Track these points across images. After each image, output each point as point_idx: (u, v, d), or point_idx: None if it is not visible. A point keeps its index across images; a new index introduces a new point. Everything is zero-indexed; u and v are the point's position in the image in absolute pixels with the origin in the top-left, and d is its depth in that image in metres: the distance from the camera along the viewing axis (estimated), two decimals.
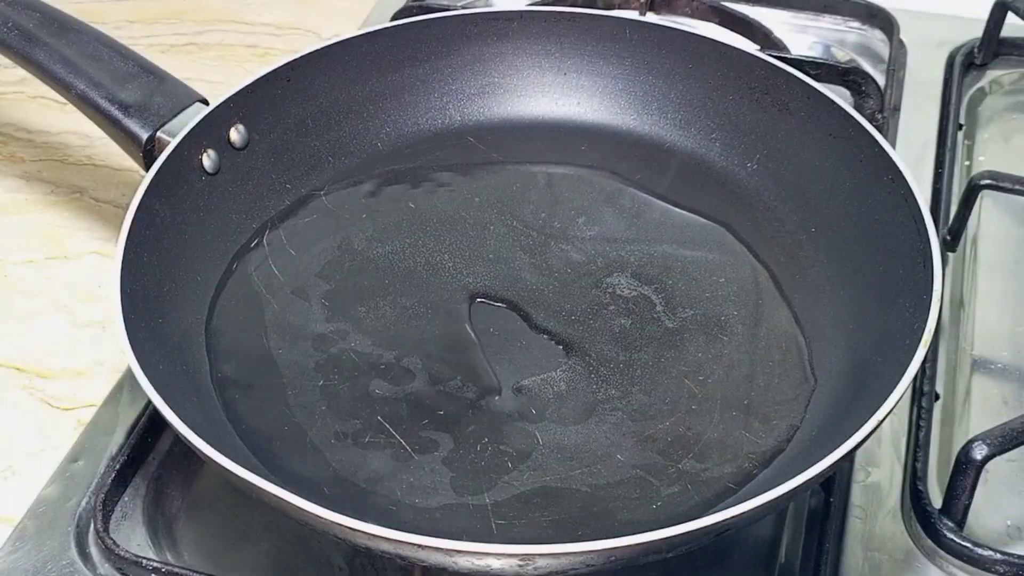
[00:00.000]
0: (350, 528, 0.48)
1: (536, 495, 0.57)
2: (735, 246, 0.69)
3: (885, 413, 0.51)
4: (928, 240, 0.59)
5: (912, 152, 0.81)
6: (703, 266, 0.68)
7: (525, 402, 0.61)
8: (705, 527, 0.47)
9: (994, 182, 0.72)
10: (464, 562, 0.48)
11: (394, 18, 0.87)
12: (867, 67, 0.88)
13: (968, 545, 0.58)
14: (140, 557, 0.57)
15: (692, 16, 0.91)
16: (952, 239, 0.74)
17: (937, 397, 0.65)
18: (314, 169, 0.73)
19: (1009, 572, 0.57)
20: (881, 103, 0.82)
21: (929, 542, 0.59)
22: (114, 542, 0.58)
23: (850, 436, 0.50)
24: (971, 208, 0.73)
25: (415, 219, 0.72)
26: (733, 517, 0.48)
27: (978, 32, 0.88)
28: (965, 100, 0.87)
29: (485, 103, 0.77)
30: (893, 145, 0.78)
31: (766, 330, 0.64)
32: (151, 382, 0.53)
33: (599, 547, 0.47)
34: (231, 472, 0.50)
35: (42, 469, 0.64)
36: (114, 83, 0.67)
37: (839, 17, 0.93)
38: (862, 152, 0.66)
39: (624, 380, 0.62)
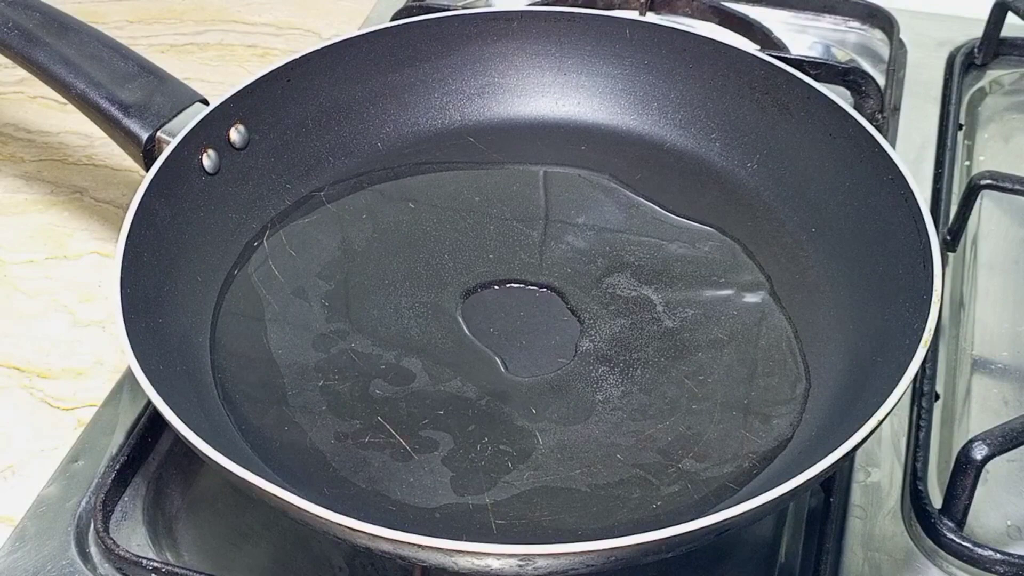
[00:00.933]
0: (350, 528, 0.48)
1: (536, 495, 0.57)
2: (735, 246, 0.69)
3: (885, 413, 0.51)
4: (928, 240, 0.59)
5: (912, 152, 0.81)
6: (703, 266, 0.68)
7: (525, 402, 0.61)
8: (705, 527, 0.47)
9: (994, 182, 0.72)
10: (464, 562, 0.48)
11: (394, 18, 0.87)
12: (867, 67, 0.88)
13: (968, 545, 0.58)
14: (140, 557, 0.57)
15: (692, 16, 0.91)
16: (952, 239, 0.74)
17: (937, 397, 0.65)
18: (314, 169, 0.73)
19: (1009, 572, 0.57)
20: (881, 103, 0.82)
21: (929, 542, 0.59)
22: (114, 542, 0.58)
23: (850, 436, 0.51)
24: (971, 208, 0.73)
25: (415, 219, 0.72)
26: (733, 517, 0.48)
27: (978, 32, 0.88)
28: (965, 100, 0.87)
29: (485, 103, 0.77)
30: (893, 145, 0.78)
31: (766, 330, 0.64)
32: (151, 382, 0.53)
33: (599, 547, 0.47)
34: (231, 472, 0.50)
35: (42, 469, 0.64)
36: (114, 83, 0.67)
37: (839, 17, 0.93)
38: (862, 152, 0.66)
39: (624, 380, 0.62)
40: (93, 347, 0.71)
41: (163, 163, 0.64)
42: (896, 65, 0.87)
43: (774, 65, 0.72)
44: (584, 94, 0.77)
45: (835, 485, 0.59)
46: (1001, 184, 0.72)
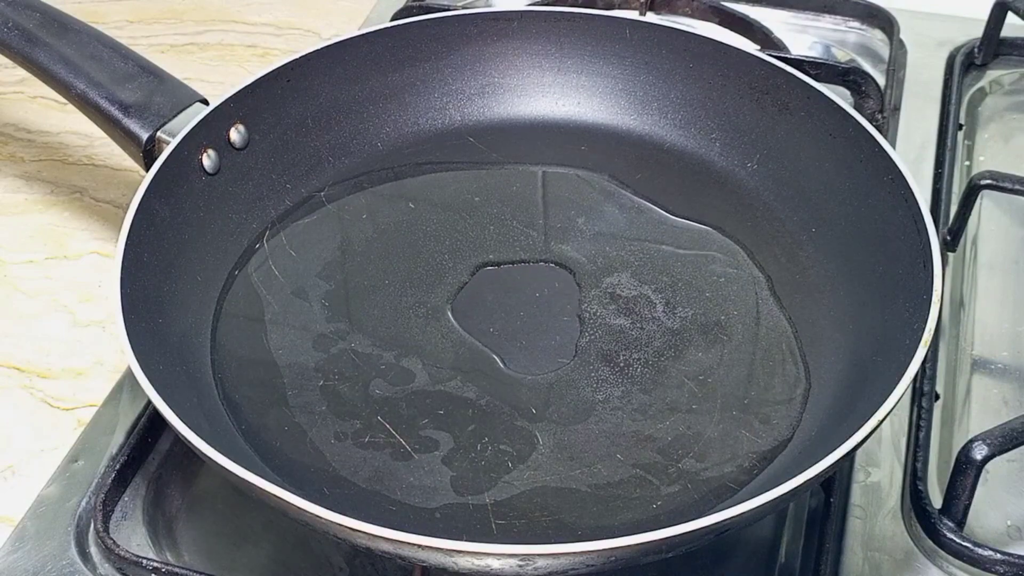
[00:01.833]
0: (350, 528, 0.48)
1: (536, 495, 0.57)
2: (735, 246, 0.69)
3: (885, 413, 0.51)
4: (928, 240, 0.59)
5: (912, 152, 0.81)
6: (703, 266, 0.68)
7: (525, 402, 0.61)
8: (705, 527, 0.47)
9: (994, 182, 0.72)
10: (464, 562, 0.48)
11: (394, 18, 0.87)
12: (867, 67, 0.88)
13: (968, 545, 0.58)
14: (140, 557, 0.57)
15: (692, 16, 0.91)
16: (952, 239, 0.74)
17: (937, 397, 0.65)
18: (314, 169, 0.73)
19: (1009, 572, 0.57)
20: (881, 103, 0.82)
21: (929, 542, 0.59)
22: (114, 542, 0.58)
23: (850, 436, 0.50)
24: (971, 208, 0.73)
25: (415, 219, 0.72)
26: (733, 517, 0.48)
27: (978, 32, 0.88)
28: (965, 100, 0.87)
29: (485, 103, 0.77)
30: (893, 145, 0.78)
31: (766, 330, 0.64)
32: (151, 382, 0.53)
33: (599, 547, 0.47)
34: (231, 472, 0.50)
35: (42, 469, 0.64)
36: (114, 83, 0.67)
37: (839, 17, 0.93)
38: (862, 152, 0.66)
39: (624, 380, 0.62)
40: (93, 347, 0.71)
41: (163, 163, 0.64)
42: (896, 65, 0.87)
43: (774, 65, 0.72)
44: (584, 94, 0.77)
45: (835, 485, 0.59)
46: (1001, 184, 0.72)
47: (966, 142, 0.84)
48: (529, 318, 0.66)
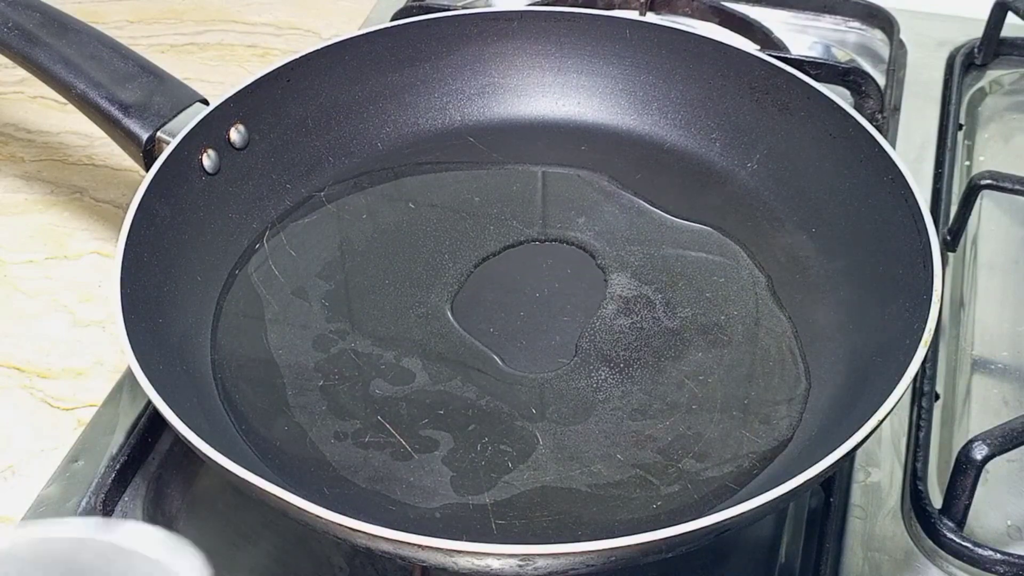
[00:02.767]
0: (350, 528, 0.48)
1: (536, 495, 0.57)
2: (735, 246, 0.69)
3: (885, 413, 0.51)
4: (928, 240, 0.59)
5: (912, 152, 0.81)
6: (703, 266, 0.68)
7: (525, 402, 0.61)
8: (705, 527, 0.47)
9: (994, 182, 0.72)
10: (464, 562, 0.48)
11: (394, 18, 0.87)
12: (867, 67, 0.88)
13: (968, 545, 0.58)
14: None
15: (692, 16, 0.91)
16: (952, 239, 0.74)
17: (937, 397, 0.65)
18: (314, 169, 0.73)
19: (1009, 572, 0.57)
20: (881, 103, 0.82)
21: (929, 542, 0.59)
22: None
23: (850, 436, 0.51)
24: (971, 208, 0.73)
25: (415, 219, 0.72)
26: (733, 517, 0.48)
27: (978, 32, 0.88)
28: (965, 100, 0.87)
29: (485, 103, 0.77)
30: (893, 145, 0.78)
31: (766, 330, 0.64)
32: (151, 382, 0.53)
33: (599, 547, 0.47)
34: (231, 472, 0.50)
35: (42, 469, 0.64)
36: (114, 83, 0.67)
37: (839, 17, 0.93)
38: (862, 152, 0.66)
39: (624, 380, 0.62)
40: (93, 347, 0.71)
41: (163, 163, 0.64)
42: (896, 65, 0.87)
43: (774, 65, 0.72)
44: (584, 94, 0.77)
45: (835, 485, 0.59)
46: (1001, 184, 0.72)
47: (966, 142, 0.84)
48: (529, 318, 0.66)
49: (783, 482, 0.49)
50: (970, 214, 0.73)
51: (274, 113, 0.71)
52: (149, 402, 0.54)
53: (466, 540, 0.47)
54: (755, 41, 0.88)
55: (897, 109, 0.84)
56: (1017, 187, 0.72)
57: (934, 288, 0.57)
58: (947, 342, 0.69)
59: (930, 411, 0.64)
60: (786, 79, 0.71)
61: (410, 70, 0.76)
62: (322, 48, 0.73)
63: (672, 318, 0.65)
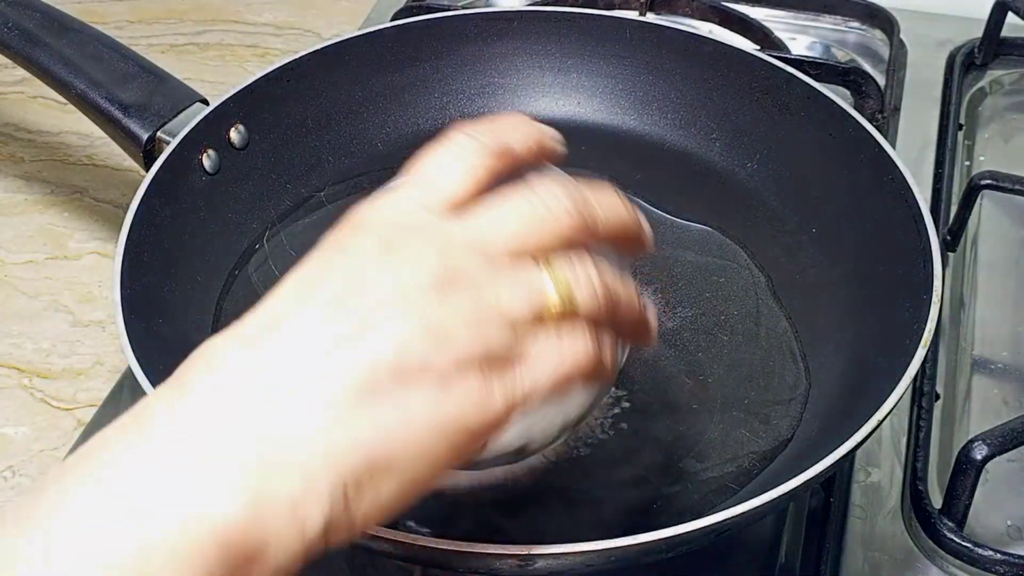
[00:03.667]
0: None
1: (535, 495, 0.57)
2: (735, 246, 0.69)
3: (885, 413, 0.51)
4: (928, 240, 0.59)
5: (912, 152, 0.81)
6: (703, 266, 0.68)
7: None
8: (705, 527, 0.47)
9: (994, 182, 0.72)
10: (464, 562, 0.48)
11: (394, 18, 0.87)
12: (867, 67, 0.88)
13: (968, 545, 0.58)
14: None
15: (692, 16, 0.91)
16: (952, 239, 0.74)
17: (937, 397, 0.65)
18: (314, 169, 0.73)
19: (1009, 572, 0.57)
20: (881, 103, 0.82)
21: (929, 542, 0.59)
22: None
23: (850, 436, 0.50)
24: (971, 208, 0.73)
25: None
26: (733, 517, 0.48)
27: (978, 32, 0.88)
28: (965, 100, 0.87)
29: (485, 103, 0.77)
30: (893, 145, 0.78)
31: (766, 330, 0.64)
32: (151, 382, 0.53)
33: (599, 547, 0.47)
34: None
35: (42, 469, 0.64)
36: (114, 83, 0.67)
37: (839, 17, 0.93)
38: (862, 152, 0.66)
39: (624, 380, 0.62)
40: (93, 347, 0.71)
41: (163, 163, 0.64)
42: (896, 65, 0.87)
43: (774, 65, 0.72)
44: (584, 94, 0.77)
45: (835, 485, 0.59)
46: (1001, 184, 0.72)
47: (966, 142, 0.84)
48: None
49: (783, 482, 0.49)
50: (970, 214, 0.73)
51: (274, 113, 0.71)
52: None
53: (466, 540, 0.47)
54: (755, 41, 0.88)
55: (897, 109, 0.84)
56: (1017, 187, 0.72)
57: (934, 288, 0.57)
58: (947, 342, 0.69)
59: (930, 411, 0.64)
60: (786, 79, 0.71)
61: (410, 70, 0.76)
62: (322, 48, 0.73)
63: (672, 318, 0.65)
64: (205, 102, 0.68)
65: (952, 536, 0.58)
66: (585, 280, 0.41)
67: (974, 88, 0.88)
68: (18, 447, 0.66)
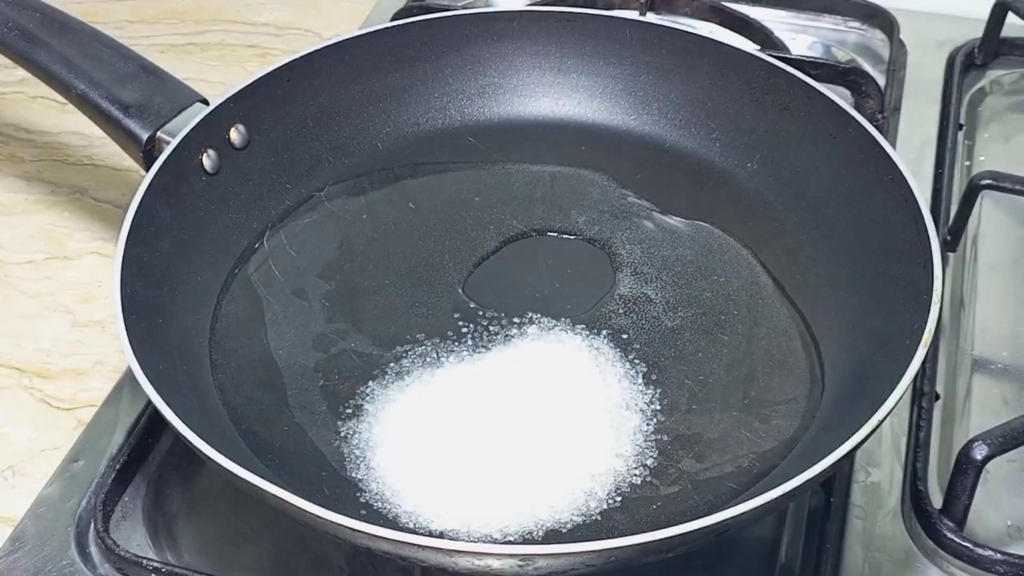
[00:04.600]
0: (350, 528, 0.48)
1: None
2: (735, 246, 0.69)
3: (885, 413, 0.51)
4: (928, 240, 0.59)
5: (912, 152, 0.81)
6: (703, 266, 0.68)
7: None
8: (705, 527, 0.47)
9: (994, 182, 0.72)
10: (464, 562, 0.48)
11: (394, 18, 0.87)
12: (867, 67, 0.88)
13: (968, 545, 0.58)
14: (140, 557, 0.57)
15: (692, 16, 0.91)
16: (952, 239, 0.74)
17: (937, 397, 0.65)
18: (314, 169, 0.73)
19: (1009, 572, 0.57)
20: (881, 103, 0.82)
21: (929, 542, 0.59)
22: (114, 542, 0.58)
23: (850, 436, 0.51)
24: (971, 208, 0.73)
25: (415, 219, 0.72)
26: (733, 517, 0.48)
27: (978, 32, 0.88)
28: (965, 100, 0.87)
29: (485, 103, 0.77)
30: (893, 145, 0.78)
31: (766, 330, 0.64)
32: (151, 382, 0.53)
33: (599, 547, 0.47)
34: (231, 472, 0.50)
35: (42, 469, 0.64)
36: (114, 83, 0.67)
37: (839, 17, 0.93)
38: (862, 152, 0.66)
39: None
40: (93, 347, 0.71)
41: (163, 163, 0.64)
42: (896, 65, 0.87)
43: (774, 65, 0.72)
44: (584, 94, 0.77)
45: (835, 485, 0.59)
46: (1001, 184, 0.72)
47: (966, 142, 0.84)
48: (529, 318, 0.66)
49: (783, 482, 0.49)
50: (970, 214, 0.73)
51: (274, 113, 0.71)
52: (149, 402, 0.54)
53: (466, 540, 0.47)
54: (755, 41, 0.88)
55: (897, 109, 0.84)
56: (1017, 187, 0.72)
57: (934, 288, 0.57)
58: (947, 342, 0.69)
59: (930, 411, 0.64)
60: (786, 79, 0.71)
61: (410, 70, 0.76)
62: (322, 48, 0.73)
63: (672, 318, 0.65)
64: (205, 102, 0.68)
65: (952, 536, 0.58)
66: None
67: (974, 88, 0.88)
68: (18, 447, 0.66)
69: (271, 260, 0.69)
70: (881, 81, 0.84)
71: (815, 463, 0.50)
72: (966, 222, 0.74)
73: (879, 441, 0.63)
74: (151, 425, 0.63)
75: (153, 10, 0.99)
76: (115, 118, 0.67)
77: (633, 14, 0.86)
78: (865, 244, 0.64)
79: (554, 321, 0.65)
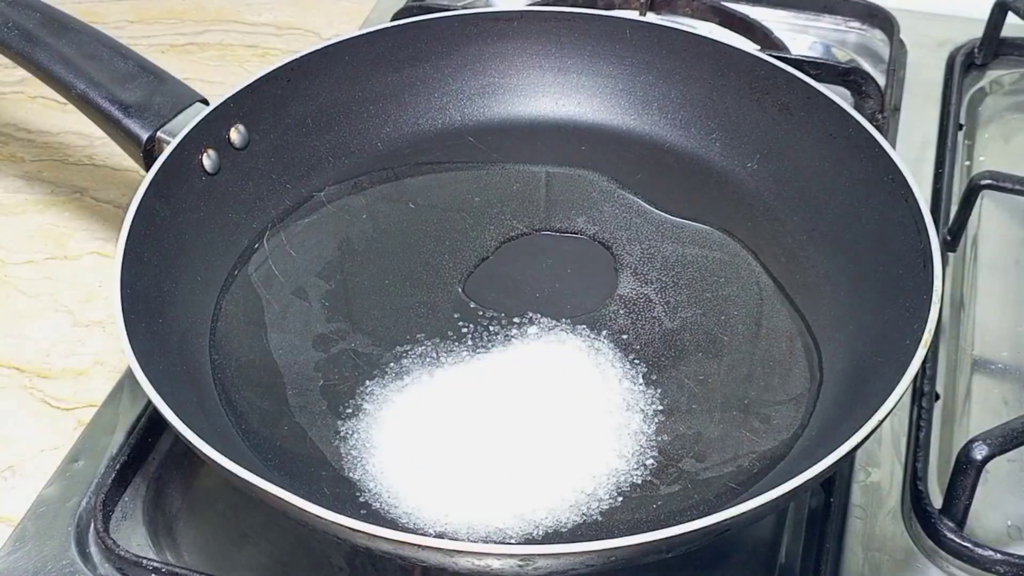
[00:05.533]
0: (350, 528, 0.48)
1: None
2: (735, 246, 0.69)
3: (885, 413, 0.51)
4: (928, 240, 0.59)
5: (912, 152, 0.81)
6: (703, 266, 0.68)
7: None
8: (705, 527, 0.48)
9: (994, 182, 0.72)
10: (464, 562, 0.48)
11: (394, 18, 0.87)
12: (867, 67, 0.88)
13: (968, 545, 0.58)
14: (140, 557, 0.57)
15: (692, 16, 0.91)
16: (952, 239, 0.74)
17: (937, 397, 0.65)
18: (314, 169, 0.73)
19: (1009, 572, 0.57)
20: (881, 103, 0.82)
21: (929, 542, 0.59)
22: (114, 542, 0.58)
23: (850, 436, 0.51)
24: (971, 208, 0.73)
25: (415, 219, 0.72)
26: (733, 517, 0.48)
27: (978, 32, 0.88)
28: (965, 100, 0.87)
29: (485, 103, 0.77)
30: (893, 145, 0.78)
31: (766, 330, 0.64)
32: (151, 382, 0.53)
33: (599, 547, 0.47)
34: (231, 472, 0.50)
35: (42, 469, 0.64)
36: (114, 83, 0.67)
37: (839, 17, 0.93)
38: (862, 152, 0.66)
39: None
40: (93, 347, 0.71)
41: (163, 163, 0.64)
42: (896, 65, 0.87)
43: (774, 65, 0.72)
44: (584, 94, 0.77)
45: (835, 485, 0.59)
46: (1001, 184, 0.72)
47: (966, 142, 0.84)
48: (529, 318, 0.66)
49: (783, 482, 0.49)
50: (970, 214, 0.73)
51: (274, 113, 0.71)
52: (149, 402, 0.54)
53: (466, 540, 0.47)
54: (755, 41, 0.88)
55: (897, 109, 0.84)
56: (1017, 187, 0.72)
57: (934, 288, 0.57)
58: (947, 342, 0.69)
59: (930, 411, 0.64)
60: (786, 79, 0.71)
61: (410, 70, 0.76)
62: (322, 48, 0.73)
63: (672, 318, 0.65)
64: (205, 102, 0.68)
65: (952, 536, 0.58)
66: None
67: (974, 88, 0.88)
68: (18, 447, 0.66)
69: (271, 260, 0.69)
70: (881, 81, 0.84)
71: (815, 463, 0.50)
72: (966, 222, 0.74)
73: (879, 441, 0.63)
74: (151, 425, 0.63)
75: (153, 10, 0.99)
76: (115, 118, 0.67)
77: (633, 14, 0.86)
78: (865, 244, 0.64)
79: (554, 321, 0.65)
